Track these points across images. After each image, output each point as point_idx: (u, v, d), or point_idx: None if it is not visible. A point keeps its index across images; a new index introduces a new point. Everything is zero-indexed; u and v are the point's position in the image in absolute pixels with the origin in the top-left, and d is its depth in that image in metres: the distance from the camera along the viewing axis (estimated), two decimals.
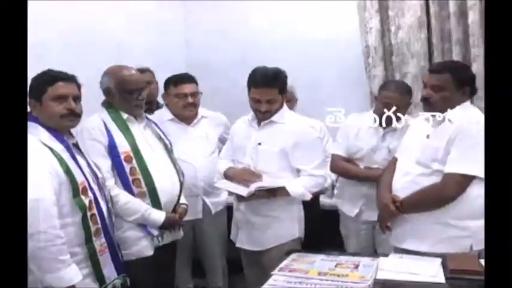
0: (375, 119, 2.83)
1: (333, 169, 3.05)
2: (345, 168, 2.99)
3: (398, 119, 2.75)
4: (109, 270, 2.12)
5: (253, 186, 2.54)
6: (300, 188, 2.57)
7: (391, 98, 2.81)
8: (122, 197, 2.42)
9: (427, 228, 2.30)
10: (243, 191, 2.55)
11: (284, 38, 4.16)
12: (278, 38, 4.17)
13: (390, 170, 2.50)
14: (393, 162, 2.54)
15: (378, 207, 2.49)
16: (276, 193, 2.57)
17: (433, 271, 2.02)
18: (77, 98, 2.12)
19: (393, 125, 2.81)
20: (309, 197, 2.61)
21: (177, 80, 3.06)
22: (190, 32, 4.51)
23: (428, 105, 2.37)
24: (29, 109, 2.05)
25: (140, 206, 2.45)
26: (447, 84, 2.32)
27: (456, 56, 3.55)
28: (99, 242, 2.08)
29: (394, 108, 2.74)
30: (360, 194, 2.95)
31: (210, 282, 3.37)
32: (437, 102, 2.33)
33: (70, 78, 2.11)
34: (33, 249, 1.84)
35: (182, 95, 3.04)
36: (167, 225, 2.55)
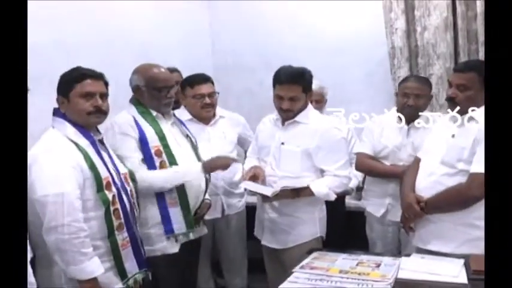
0: (399, 116, 2.90)
1: (359, 167, 3.07)
2: (370, 166, 3.00)
3: (419, 110, 2.84)
4: (131, 265, 2.16)
5: (278, 187, 2.57)
6: (324, 188, 2.57)
7: (410, 88, 2.90)
8: (154, 171, 2.47)
9: (451, 229, 2.29)
10: (268, 191, 2.56)
11: (309, 39, 4.18)
12: (303, 39, 4.19)
13: (414, 170, 2.49)
14: (416, 162, 2.53)
15: (401, 208, 2.49)
16: (300, 193, 2.58)
17: (455, 271, 2.02)
18: (104, 96, 2.16)
19: (416, 122, 2.83)
20: (333, 197, 2.61)
21: (193, 81, 3.08)
22: (216, 33, 4.56)
23: (454, 104, 2.35)
24: (56, 105, 2.12)
25: (172, 168, 2.51)
26: (472, 84, 2.29)
27: (483, 57, 3.49)
28: (122, 237, 2.12)
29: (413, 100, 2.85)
30: (385, 193, 2.96)
31: (229, 281, 3.41)
32: (463, 101, 2.31)
33: (98, 76, 2.15)
34: (57, 241, 1.89)
35: (199, 96, 3.07)
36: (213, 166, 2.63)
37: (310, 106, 2.69)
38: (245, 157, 3.19)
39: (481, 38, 3.54)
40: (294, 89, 2.55)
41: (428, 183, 2.37)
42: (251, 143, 3.04)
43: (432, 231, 2.36)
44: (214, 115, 3.21)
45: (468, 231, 2.25)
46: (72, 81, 2.10)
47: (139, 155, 2.47)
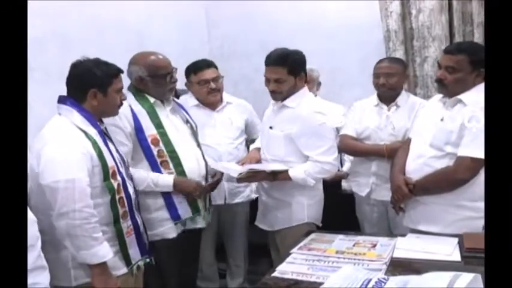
0: (378, 97, 3.04)
1: (342, 148, 3.09)
2: (352, 145, 3.05)
3: (393, 89, 2.96)
4: (134, 252, 2.21)
5: (245, 168, 2.62)
6: (301, 173, 2.57)
7: (380, 68, 3.01)
8: (131, 170, 2.44)
9: (441, 210, 2.32)
10: (235, 172, 2.62)
11: (305, 23, 4.20)
12: (299, 23, 4.21)
13: (404, 152, 2.51)
14: (407, 143, 2.55)
15: (391, 189, 2.51)
16: (277, 176, 2.62)
17: (449, 250, 2.07)
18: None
19: (396, 102, 2.98)
20: (311, 183, 2.58)
21: (196, 68, 3.10)
22: (212, 19, 4.58)
23: (442, 86, 2.36)
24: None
25: (147, 175, 2.51)
26: (462, 66, 2.28)
27: (478, 40, 3.52)
28: (126, 224, 2.17)
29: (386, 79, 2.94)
30: (369, 173, 3.02)
31: (231, 263, 3.47)
32: (451, 83, 2.31)
33: (122, 71, 2.24)
34: (68, 227, 1.93)
35: (204, 82, 3.08)
36: (180, 188, 2.56)
37: (303, 90, 2.66)
38: (248, 144, 3.25)
39: (476, 19, 3.56)
40: (279, 71, 2.56)
41: (417, 165, 2.39)
42: (259, 130, 3.12)
43: (422, 212, 2.40)
44: (221, 101, 3.23)
45: (456, 211, 2.28)
46: (111, 77, 2.15)
47: (124, 149, 2.43)
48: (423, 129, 2.45)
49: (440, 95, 2.44)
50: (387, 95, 3.01)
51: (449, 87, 2.34)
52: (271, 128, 2.68)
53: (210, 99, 3.14)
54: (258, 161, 2.76)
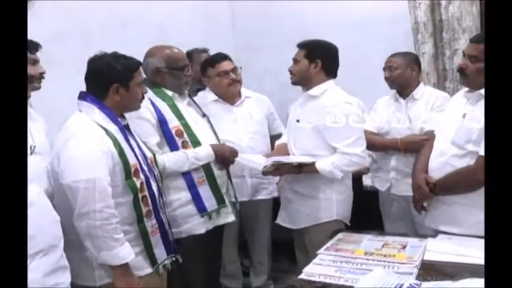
0: (397, 92, 3.11)
1: None
2: (370, 140, 2.96)
3: (400, 81, 3.04)
4: (159, 251, 2.17)
5: (269, 160, 2.57)
6: (328, 165, 2.51)
7: (386, 63, 3.12)
8: (168, 154, 2.46)
9: (463, 211, 2.22)
10: (259, 164, 2.58)
11: (331, 16, 4.11)
12: (325, 15, 4.12)
13: (428, 149, 2.43)
14: (432, 140, 2.45)
15: (412, 188, 2.43)
16: (304, 169, 2.56)
17: (483, 253, 1.98)
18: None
19: (412, 95, 3.04)
20: (338, 176, 2.53)
21: (213, 61, 3.08)
22: (236, 12, 4.52)
23: (464, 76, 2.25)
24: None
25: (184, 153, 2.49)
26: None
27: None
28: (151, 223, 2.12)
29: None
30: (388, 167, 3.03)
31: (254, 260, 3.43)
32: (473, 73, 2.19)
33: (141, 64, 2.22)
34: (89, 227, 1.90)
35: (223, 73, 3.05)
36: (220, 155, 2.58)
37: (329, 82, 2.62)
38: (271, 139, 3.20)
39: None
40: (298, 52, 2.64)
41: (439, 163, 2.30)
42: (278, 125, 3.15)
43: (444, 212, 2.31)
44: (240, 95, 3.18)
45: (480, 212, 2.10)
46: (132, 71, 2.11)
47: (153, 139, 2.45)
48: (446, 126, 2.35)
49: (465, 89, 2.34)
50: (397, 88, 3.10)
51: (471, 77, 2.21)
52: (298, 121, 2.64)
53: (231, 90, 3.10)
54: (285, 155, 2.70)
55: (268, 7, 4.37)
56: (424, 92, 3.06)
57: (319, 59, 2.59)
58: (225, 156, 2.62)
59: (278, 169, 2.59)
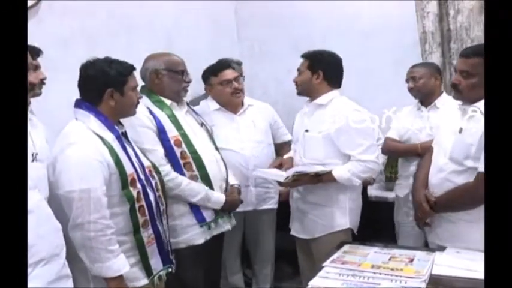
0: (419, 101, 3.13)
1: (383, 150, 3.14)
2: (391, 146, 3.12)
3: (423, 91, 3.06)
4: (156, 262, 2.12)
5: (290, 171, 2.52)
6: (346, 173, 2.50)
7: (408, 73, 3.13)
8: (184, 179, 2.43)
9: (467, 227, 2.15)
10: (280, 177, 2.54)
11: (337, 24, 4.07)
12: (331, 23, 4.09)
13: (426, 163, 2.37)
14: (429, 154, 2.39)
15: (413, 205, 2.40)
16: (321, 178, 2.53)
17: None
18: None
19: (434, 103, 3.06)
20: (357, 182, 2.53)
21: (216, 69, 3.04)
22: (242, 19, 4.48)
23: (457, 92, 2.19)
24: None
25: (203, 186, 2.47)
26: (477, 70, 2.05)
27: None
28: (147, 234, 2.07)
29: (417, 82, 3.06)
30: (408, 174, 3.02)
31: (257, 271, 3.38)
32: (465, 89, 2.12)
33: (135, 68, 2.16)
34: (83, 238, 1.86)
35: (226, 82, 3.01)
36: (228, 206, 2.56)
37: (334, 92, 2.62)
38: (277, 147, 3.17)
39: None
40: (302, 63, 2.64)
41: (438, 179, 2.24)
42: (283, 133, 3.13)
43: (447, 229, 2.24)
44: (242, 104, 3.15)
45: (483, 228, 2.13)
46: (125, 75, 2.07)
47: (161, 148, 2.42)
48: (443, 140, 2.28)
49: (458, 104, 2.26)
50: (420, 98, 3.11)
51: (464, 93, 2.15)
52: (306, 131, 2.61)
53: (234, 100, 3.05)
54: (289, 167, 2.66)
55: (274, 15, 4.33)
56: (447, 101, 2.97)
57: (321, 70, 2.58)
58: (231, 209, 2.62)
59: (297, 180, 2.54)
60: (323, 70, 2.58)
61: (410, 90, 3.11)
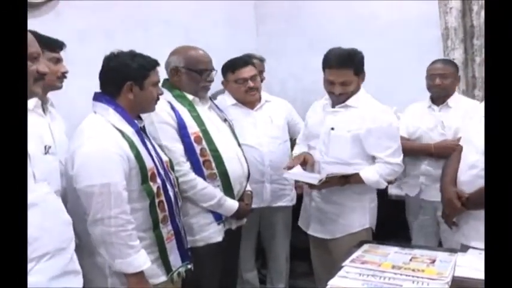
0: (430, 99, 3.08)
1: None
2: (402, 145, 2.90)
3: (447, 90, 2.99)
4: (175, 258, 2.09)
5: (324, 173, 2.46)
6: (375, 175, 2.47)
7: (435, 69, 3.03)
8: (200, 182, 2.39)
9: None
10: (314, 179, 2.47)
11: (356, 20, 4.01)
12: (350, 19, 4.03)
13: (455, 161, 2.31)
14: (458, 151, 2.33)
15: (441, 202, 2.34)
16: (349, 180, 2.49)
17: None
18: None
19: (446, 102, 3.01)
20: (383, 185, 2.53)
21: (234, 66, 2.99)
22: (260, 15, 4.44)
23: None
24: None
25: (217, 192, 2.43)
26: None
27: None
28: (166, 230, 2.05)
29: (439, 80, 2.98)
30: (418, 172, 3.00)
31: (272, 269, 3.35)
32: None
33: (159, 64, 2.13)
34: (103, 234, 1.84)
35: (242, 80, 2.97)
36: (239, 215, 2.52)
37: (362, 89, 2.58)
38: (292, 144, 3.11)
39: None
40: (345, 72, 2.46)
41: (470, 176, 2.18)
42: (300, 129, 2.97)
43: (475, 228, 2.17)
44: (260, 99, 3.11)
45: None
46: (147, 70, 2.04)
47: (180, 145, 2.38)
48: (475, 137, 2.22)
49: None
50: (440, 96, 3.05)
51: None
52: (332, 129, 2.54)
53: (248, 98, 3.02)
54: (313, 164, 2.61)
55: (292, 11, 4.29)
56: (459, 100, 3.03)
57: (363, 72, 2.54)
58: (240, 218, 2.58)
59: (326, 182, 2.46)
60: (363, 71, 2.54)
61: (436, 87, 3.01)
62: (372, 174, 2.47)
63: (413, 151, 3.01)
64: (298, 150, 2.79)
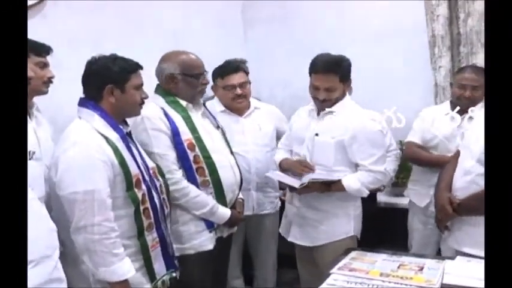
0: (451, 105, 2.85)
1: (406, 156, 3.02)
2: (416, 154, 2.93)
3: (476, 102, 2.76)
4: (159, 266, 2.07)
5: (306, 178, 2.46)
6: (356, 183, 2.45)
7: (467, 79, 2.80)
8: (192, 189, 2.37)
9: None
10: (296, 182, 2.47)
11: (345, 26, 4.01)
12: (339, 26, 4.02)
13: (451, 166, 2.32)
14: (455, 157, 2.35)
15: (435, 207, 2.34)
16: (331, 187, 2.47)
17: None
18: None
19: (470, 111, 2.74)
20: (365, 193, 2.49)
21: (223, 72, 2.96)
22: (249, 20, 4.43)
23: None
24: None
25: (210, 200, 2.41)
26: None
27: None
28: (151, 237, 2.03)
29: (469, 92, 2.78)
30: (431, 184, 2.81)
31: (258, 277, 3.33)
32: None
33: (141, 67, 2.10)
34: (87, 241, 1.81)
35: (230, 87, 2.95)
36: (231, 223, 2.50)
37: (347, 96, 2.56)
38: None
39: None
40: (331, 78, 2.44)
41: (464, 182, 2.19)
42: (284, 133, 2.94)
43: (467, 233, 2.19)
44: (248, 106, 3.09)
45: None
46: (128, 73, 2.02)
47: (173, 153, 2.35)
48: (472, 143, 2.23)
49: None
50: (467, 107, 2.77)
51: None
52: (317, 135, 2.53)
53: (235, 105, 3.00)
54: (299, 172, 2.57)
55: (281, 16, 4.28)
56: (481, 111, 2.80)
57: (350, 78, 2.53)
58: (232, 226, 2.57)
59: (307, 187, 2.46)
60: (349, 78, 2.53)
61: (464, 99, 2.79)
62: (353, 182, 2.45)
63: (430, 162, 2.88)
64: (280, 155, 2.76)
